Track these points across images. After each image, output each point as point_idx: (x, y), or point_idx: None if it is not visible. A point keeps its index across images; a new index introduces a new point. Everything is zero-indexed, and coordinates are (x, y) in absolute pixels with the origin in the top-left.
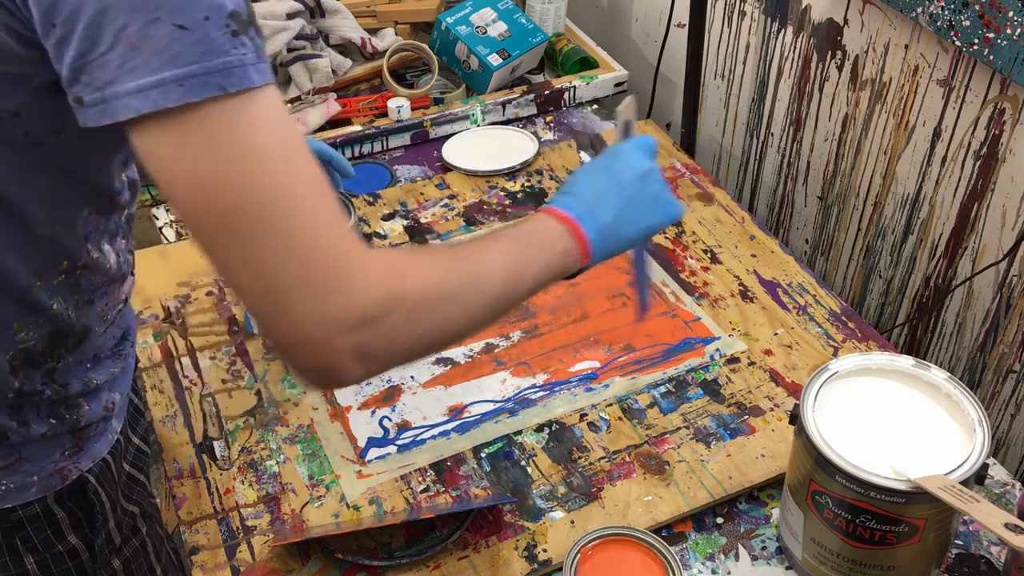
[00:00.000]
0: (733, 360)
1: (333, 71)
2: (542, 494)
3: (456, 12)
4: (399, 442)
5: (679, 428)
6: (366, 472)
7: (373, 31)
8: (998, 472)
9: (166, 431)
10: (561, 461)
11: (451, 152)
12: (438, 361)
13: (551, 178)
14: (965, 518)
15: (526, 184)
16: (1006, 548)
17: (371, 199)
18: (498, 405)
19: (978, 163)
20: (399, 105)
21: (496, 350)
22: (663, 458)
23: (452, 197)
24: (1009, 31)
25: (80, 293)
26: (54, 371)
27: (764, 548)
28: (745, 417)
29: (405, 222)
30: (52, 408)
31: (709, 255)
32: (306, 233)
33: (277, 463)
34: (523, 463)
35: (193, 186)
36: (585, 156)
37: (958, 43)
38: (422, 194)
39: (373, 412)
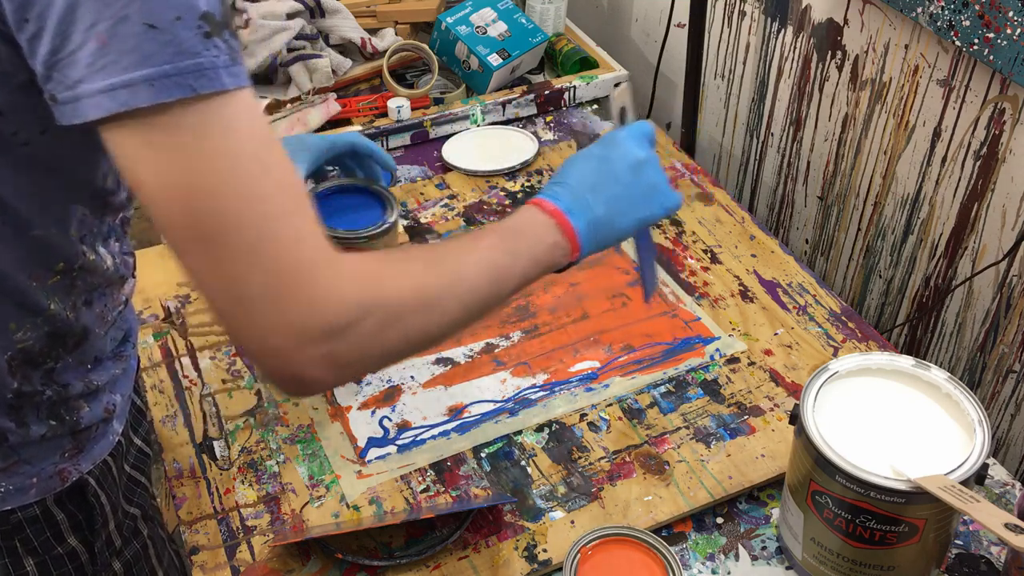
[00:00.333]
0: (733, 360)
1: (333, 71)
2: (542, 494)
3: (456, 12)
4: (399, 442)
5: (679, 428)
6: (366, 472)
7: (373, 31)
8: (998, 472)
9: (166, 431)
10: (561, 461)
11: (451, 152)
12: (438, 361)
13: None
14: (965, 518)
15: (526, 184)
16: (1006, 548)
17: None
18: (498, 405)
19: (978, 163)
20: (399, 105)
21: (496, 350)
22: (663, 458)
23: (452, 197)
24: (1009, 31)
25: (77, 294)
26: (53, 371)
27: (764, 548)
28: (745, 417)
29: (405, 222)
30: (52, 409)
31: (709, 255)
32: (273, 242)
33: (277, 463)
34: (523, 463)
35: (162, 188)
36: None
37: (958, 43)
38: (422, 194)
39: (373, 412)
